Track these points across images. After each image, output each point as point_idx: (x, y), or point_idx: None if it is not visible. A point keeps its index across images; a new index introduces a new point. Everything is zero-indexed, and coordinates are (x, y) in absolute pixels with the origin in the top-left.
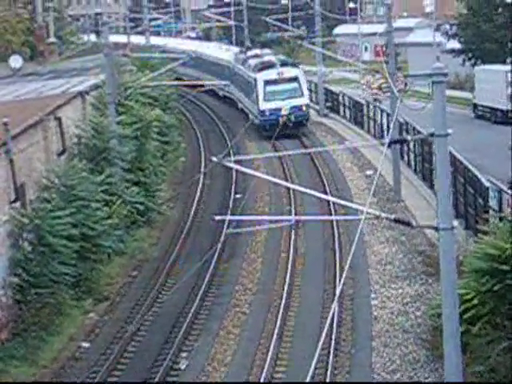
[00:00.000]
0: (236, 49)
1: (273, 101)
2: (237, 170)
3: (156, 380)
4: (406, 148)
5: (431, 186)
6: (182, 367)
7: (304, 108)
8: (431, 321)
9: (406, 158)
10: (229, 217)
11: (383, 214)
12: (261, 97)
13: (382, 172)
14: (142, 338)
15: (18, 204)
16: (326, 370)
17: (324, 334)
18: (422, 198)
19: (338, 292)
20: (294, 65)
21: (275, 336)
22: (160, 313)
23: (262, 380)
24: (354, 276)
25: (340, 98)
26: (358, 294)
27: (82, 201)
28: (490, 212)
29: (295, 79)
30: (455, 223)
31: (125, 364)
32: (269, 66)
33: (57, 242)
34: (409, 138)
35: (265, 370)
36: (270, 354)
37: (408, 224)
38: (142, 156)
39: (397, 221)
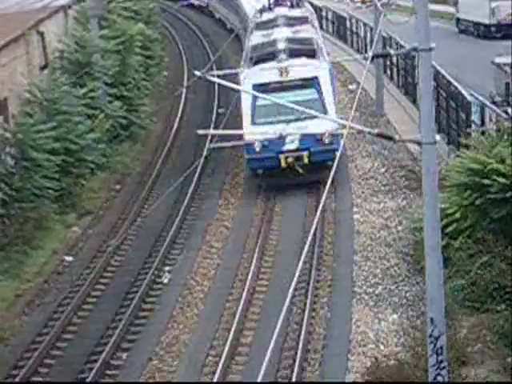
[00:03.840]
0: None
1: (268, 124)
2: (220, 85)
3: (138, 294)
4: (389, 62)
5: (414, 101)
6: (165, 281)
7: (327, 139)
8: (413, 235)
9: (388, 72)
10: (212, 131)
11: (366, 129)
12: (247, 117)
13: (365, 86)
14: (124, 252)
15: (0, 118)
16: (308, 283)
17: (306, 248)
18: (404, 113)
19: (320, 206)
20: (312, 53)
21: (257, 249)
22: (143, 227)
23: (244, 293)
24: (336, 190)
25: (323, 12)
26: (340, 208)
27: (64, 115)
28: (473, 127)
29: (312, 80)
30: (437, 138)
31: (108, 278)
32: (268, 54)
33: (39, 156)
34: (392, 52)
35: (247, 284)
36: (252, 267)
37: (390, 138)
38: (125, 70)
39: (379, 135)
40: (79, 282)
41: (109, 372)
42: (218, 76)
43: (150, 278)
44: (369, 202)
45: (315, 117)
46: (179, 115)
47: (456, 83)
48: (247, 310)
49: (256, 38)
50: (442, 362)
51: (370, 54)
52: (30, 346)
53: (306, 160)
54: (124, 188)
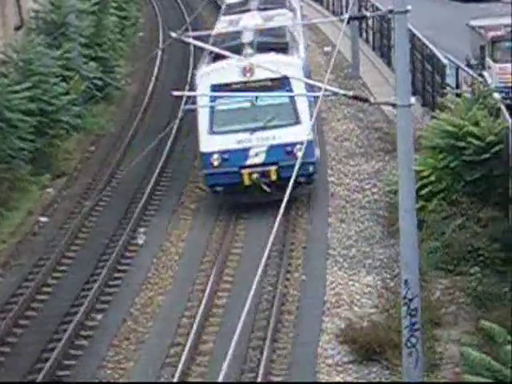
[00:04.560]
0: None
1: (229, 133)
2: (195, 46)
3: (113, 255)
4: (364, 25)
5: (389, 63)
6: (140, 242)
7: (298, 150)
8: (387, 197)
9: (364, 35)
10: (187, 92)
11: (341, 91)
12: (203, 124)
13: (341, 49)
14: (99, 214)
15: None
16: (284, 245)
17: (281, 211)
18: (380, 75)
19: (295, 168)
20: (284, 47)
21: (234, 211)
22: (117, 188)
23: (218, 256)
24: None
25: None
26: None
27: (39, 76)
28: (448, 89)
29: (282, 81)
30: (413, 100)
31: (83, 239)
32: (231, 48)
33: (14, 116)
34: (368, 14)
35: (223, 247)
36: (229, 229)
37: (366, 101)
38: (100, 31)
39: (355, 97)
40: (54, 243)
41: (83, 333)
42: (194, 38)
43: (124, 240)
44: (344, 164)
45: (286, 124)
46: (154, 76)
47: (431, 46)
48: (222, 272)
49: (221, 25)
50: (415, 323)
51: (346, 16)
52: (4, 307)
53: (273, 176)
54: (99, 149)
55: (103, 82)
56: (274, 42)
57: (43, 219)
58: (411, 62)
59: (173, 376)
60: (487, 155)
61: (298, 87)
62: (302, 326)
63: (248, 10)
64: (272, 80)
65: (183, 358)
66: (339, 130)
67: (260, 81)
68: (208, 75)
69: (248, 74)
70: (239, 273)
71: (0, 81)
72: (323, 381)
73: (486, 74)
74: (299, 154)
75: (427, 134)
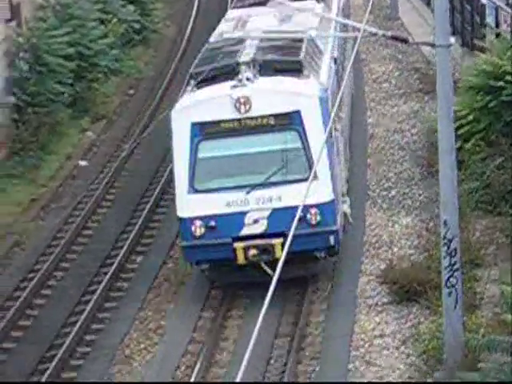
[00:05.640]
0: None
1: (217, 191)
2: None
3: (152, 198)
4: None
5: (428, 3)
6: None
7: (316, 216)
8: (427, 138)
9: None
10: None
11: (380, 31)
12: (181, 178)
13: None
14: (138, 157)
15: (13, 23)
16: None
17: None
18: (418, 16)
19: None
20: (297, 67)
21: None
22: (156, 132)
23: None
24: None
25: None
26: (354, 112)
27: (77, 20)
28: (487, 29)
29: (291, 118)
30: (452, 40)
31: (122, 182)
32: (222, 70)
33: (53, 61)
34: None
35: None
36: None
37: (405, 41)
38: None
39: (393, 38)
40: (93, 186)
41: (123, 275)
42: None
43: (164, 182)
44: (383, 105)
45: (296, 180)
46: (192, 19)
47: None
48: None
49: (224, 27)
50: (455, 263)
51: None
52: (45, 250)
53: (278, 253)
54: (137, 93)
55: (141, 25)
56: (283, 61)
57: (82, 163)
58: (450, 1)
59: (215, 317)
60: None
61: (314, 126)
62: (341, 268)
63: (262, 3)
64: (277, 116)
65: (224, 300)
66: (378, 72)
67: (260, 118)
68: (188, 110)
69: (244, 109)
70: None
71: (39, 25)
72: (361, 322)
73: None
74: (315, 221)
75: (465, 74)
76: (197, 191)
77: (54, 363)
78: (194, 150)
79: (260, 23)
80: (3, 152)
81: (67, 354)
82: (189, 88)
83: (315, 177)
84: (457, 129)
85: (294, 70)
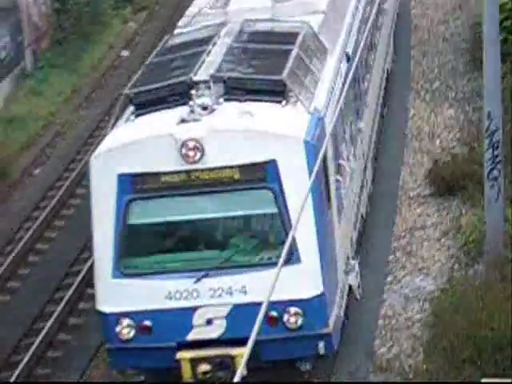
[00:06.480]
0: None
1: (153, 276)
2: None
3: None
4: None
5: None
6: None
7: (295, 317)
8: (472, 30)
9: None
10: None
11: None
12: (103, 255)
13: None
14: None
15: None
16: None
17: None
18: None
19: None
20: (279, 90)
21: None
22: None
23: None
24: None
25: None
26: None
27: None
28: None
29: (264, 170)
30: None
31: None
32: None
33: None
34: None
35: None
36: None
37: None
38: None
39: None
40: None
41: None
42: None
43: None
44: None
45: (269, 263)
46: None
47: None
48: None
49: (192, 13)
50: (497, 156)
51: None
52: (86, 141)
53: (239, 367)
54: None
55: None
56: (258, 80)
57: (124, 53)
58: None
59: None
60: None
61: (296, 182)
62: (384, 159)
63: None
64: (243, 168)
65: None
66: None
67: (218, 170)
68: (113, 155)
69: (194, 156)
70: None
71: None
72: (404, 215)
73: None
74: (295, 324)
75: None
76: (125, 275)
77: None
78: (121, 214)
79: (247, 2)
80: (45, 42)
81: None
82: (124, 117)
83: (297, 259)
84: (502, 21)
85: (274, 92)
